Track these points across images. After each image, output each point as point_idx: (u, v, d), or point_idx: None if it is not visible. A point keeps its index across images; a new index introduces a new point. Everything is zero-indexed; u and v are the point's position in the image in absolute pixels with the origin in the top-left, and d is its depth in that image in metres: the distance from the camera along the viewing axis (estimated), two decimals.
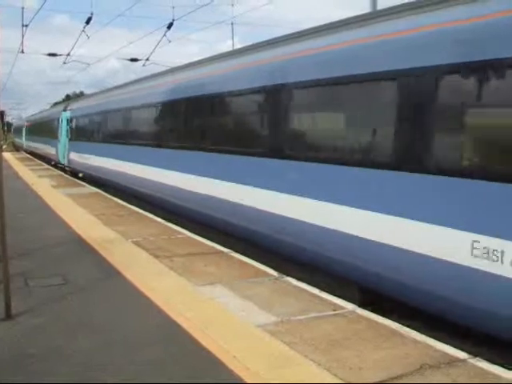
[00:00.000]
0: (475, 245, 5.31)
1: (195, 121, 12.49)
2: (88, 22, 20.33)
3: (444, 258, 5.71)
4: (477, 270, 5.31)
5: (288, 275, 7.84)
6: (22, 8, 22.14)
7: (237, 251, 9.40)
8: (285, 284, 7.45)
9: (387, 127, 6.88)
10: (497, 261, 5.09)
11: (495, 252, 5.10)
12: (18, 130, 70.13)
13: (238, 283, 7.42)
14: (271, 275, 7.89)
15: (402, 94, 6.55)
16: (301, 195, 8.21)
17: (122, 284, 7.44)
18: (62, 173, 27.36)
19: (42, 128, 40.29)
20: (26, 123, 60.19)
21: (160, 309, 6.40)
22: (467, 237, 5.40)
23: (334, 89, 7.83)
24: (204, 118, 12.02)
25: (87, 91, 79.08)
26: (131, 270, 8.07)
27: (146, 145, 15.28)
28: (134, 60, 25.68)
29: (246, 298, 6.80)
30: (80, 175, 24.71)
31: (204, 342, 5.39)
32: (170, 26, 19.06)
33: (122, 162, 17.57)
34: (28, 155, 47.89)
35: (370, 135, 7.28)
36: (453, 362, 4.94)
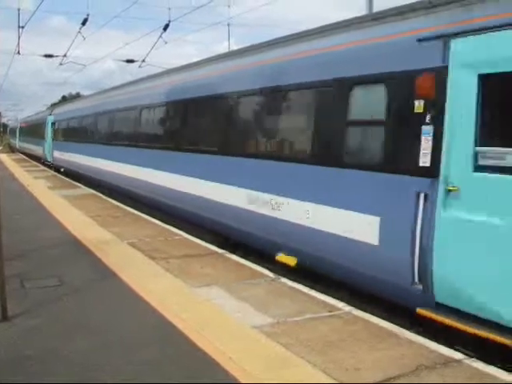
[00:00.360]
0: (249, 196, 9.28)
1: (144, 121, 16.13)
2: (84, 23, 20.30)
3: (235, 205, 9.73)
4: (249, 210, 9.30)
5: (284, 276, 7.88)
6: (18, 9, 22.05)
7: (233, 253, 9.41)
8: (280, 285, 7.46)
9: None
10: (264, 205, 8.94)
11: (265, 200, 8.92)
12: (13, 132, 70.17)
13: (234, 285, 7.43)
14: (267, 276, 7.91)
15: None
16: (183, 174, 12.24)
17: (117, 285, 7.44)
18: (57, 174, 27.45)
19: (34, 130, 43.23)
20: (19, 125, 60.37)
21: (156, 310, 6.40)
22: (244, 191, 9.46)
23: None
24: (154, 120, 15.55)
25: (83, 92, 78.95)
26: (127, 271, 8.06)
27: (110, 144, 18.94)
28: (130, 61, 25.63)
29: (242, 299, 6.81)
30: (61, 170, 28.52)
31: (200, 344, 5.39)
32: (166, 27, 19.03)
33: (92, 158, 21.25)
34: (23, 156, 47.81)
35: None
36: (448, 362, 4.97)
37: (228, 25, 27.18)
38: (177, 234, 11.17)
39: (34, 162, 37.86)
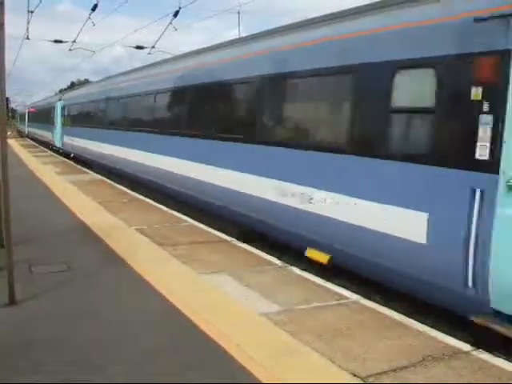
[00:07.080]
0: None
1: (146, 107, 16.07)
2: (94, 9, 20.20)
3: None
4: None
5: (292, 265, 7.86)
6: None
7: (240, 240, 9.40)
8: (288, 273, 7.45)
9: None
10: None
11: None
12: (22, 117, 70.36)
13: (241, 272, 7.42)
14: (275, 264, 7.89)
15: None
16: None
17: (125, 271, 7.45)
18: (66, 159, 27.55)
19: (43, 115, 42.73)
20: (28, 110, 60.56)
21: (163, 296, 6.40)
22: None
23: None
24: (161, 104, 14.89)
25: (92, 78, 78.98)
26: (134, 257, 8.07)
27: (121, 129, 18.60)
28: (139, 48, 25.56)
29: (250, 286, 6.80)
30: (71, 155, 28.58)
31: (207, 330, 5.39)
32: (176, 13, 18.91)
33: (103, 144, 20.67)
34: (32, 142, 47.91)
35: None
36: (456, 353, 4.94)
37: (238, 12, 27.09)
38: (184, 221, 11.17)
39: (42, 148, 37.94)
